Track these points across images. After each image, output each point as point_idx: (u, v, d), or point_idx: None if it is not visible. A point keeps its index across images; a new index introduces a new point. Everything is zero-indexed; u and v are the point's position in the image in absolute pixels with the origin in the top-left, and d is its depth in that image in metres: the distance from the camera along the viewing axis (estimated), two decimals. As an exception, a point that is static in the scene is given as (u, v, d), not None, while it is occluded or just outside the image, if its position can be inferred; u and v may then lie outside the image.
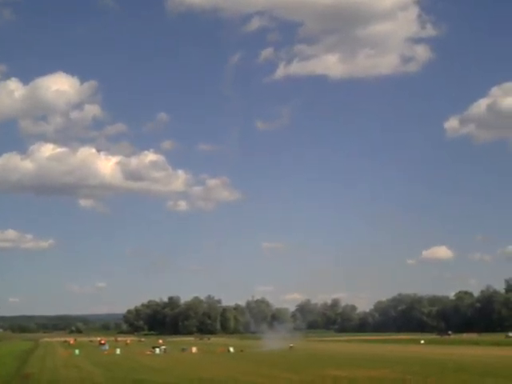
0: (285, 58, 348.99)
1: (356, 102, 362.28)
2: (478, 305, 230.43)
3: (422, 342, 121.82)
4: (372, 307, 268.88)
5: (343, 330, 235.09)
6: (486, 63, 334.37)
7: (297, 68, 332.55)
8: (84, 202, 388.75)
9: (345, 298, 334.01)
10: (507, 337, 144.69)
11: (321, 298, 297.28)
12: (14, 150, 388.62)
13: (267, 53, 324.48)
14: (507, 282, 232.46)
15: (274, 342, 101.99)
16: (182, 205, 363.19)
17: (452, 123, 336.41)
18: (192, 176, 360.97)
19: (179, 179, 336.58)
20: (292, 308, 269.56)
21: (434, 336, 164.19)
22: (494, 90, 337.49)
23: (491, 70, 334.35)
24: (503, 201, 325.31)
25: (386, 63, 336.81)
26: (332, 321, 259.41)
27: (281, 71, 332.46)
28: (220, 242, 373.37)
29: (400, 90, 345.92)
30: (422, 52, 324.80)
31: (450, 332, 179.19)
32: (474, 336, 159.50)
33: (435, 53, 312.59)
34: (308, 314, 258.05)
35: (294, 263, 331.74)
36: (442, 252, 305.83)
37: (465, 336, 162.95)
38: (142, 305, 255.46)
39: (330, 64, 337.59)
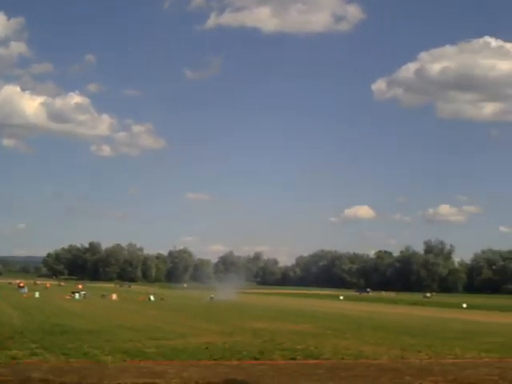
0: (216, 7, 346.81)
1: (286, 58, 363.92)
2: (398, 264, 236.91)
3: (341, 298, 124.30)
4: (294, 262, 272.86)
5: (265, 283, 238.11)
6: (416, 28, 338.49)
7: (229, 18, 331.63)
8: (6, 142, 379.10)
9: (267, 251, 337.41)
10: (425, 297, 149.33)
11: (244, 250, 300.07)
12: None
13: (198, 1, 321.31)
14: (426, 243, 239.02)
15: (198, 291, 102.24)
16: (106, 150, 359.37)
17: (379, 85, 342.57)
18: (117, 121, 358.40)
19: (104, 123, 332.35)
20: (215, 260, 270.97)
21: (353, 293, 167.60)
22: (423, 55, 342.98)
23: (421, 34, 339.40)
24: (426, 165, 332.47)
25: (318, 20, 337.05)
26: (253, 273, 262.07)
27: (212, 21, 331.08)
28: (144, 189, 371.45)
29: (330, 49, 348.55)
30: (353, 12, 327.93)
31: (368, 289, 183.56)
32: (392, 295, 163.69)
33: (366, 14, 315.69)
34: (230, 266, 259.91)
35: (218, 214, 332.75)
36: (364, 211, 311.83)
37: (383, 294, 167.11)
38: (63, 249, 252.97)
39: (262, 16, 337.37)
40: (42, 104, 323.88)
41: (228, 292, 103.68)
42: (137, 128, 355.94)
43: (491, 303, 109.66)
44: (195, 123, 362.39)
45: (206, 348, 25.49)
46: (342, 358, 23.53)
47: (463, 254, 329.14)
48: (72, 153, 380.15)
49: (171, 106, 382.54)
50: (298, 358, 23.34)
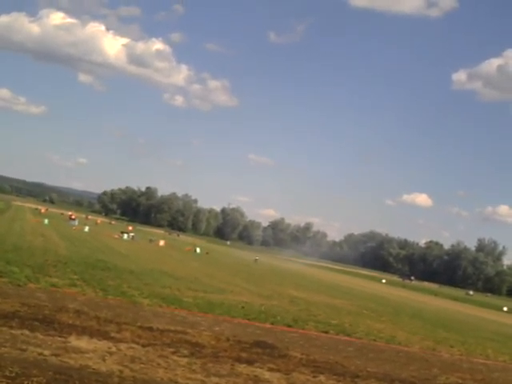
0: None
1: (371, 34, 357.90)
2: (446, 257, 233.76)
3: (384, 281, 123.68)
4: (342, 238, 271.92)
5: (311, 254, 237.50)
6: (506, 24, 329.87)
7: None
8: (83, 77, 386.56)
9: (318, 223, 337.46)
10: (467, 294, 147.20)
11: (295, 219, 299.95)
12: (23, 11, 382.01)
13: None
14: (480, 241, 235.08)
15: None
16: (179, 100, 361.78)
17: (460, 76, 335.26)
18: (194, 73, 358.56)
19: (181, 74, 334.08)
20: (265, 223, 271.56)
21: (396, 278, 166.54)
22: (509, 52, 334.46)
23: (509, 31, 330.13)
24: (493, 162, 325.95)
25: (411, 3, 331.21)
26: (301, 243, 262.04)
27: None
28: (208, 144, 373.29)
29: (417, 33, 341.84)
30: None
31: (412, 277, 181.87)
32: (435, 286, 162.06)
33: (459, 3, 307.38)
34: (279, 232, 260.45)
35: (275, 180, 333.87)
36: (422, 199, 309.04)
37: (426, 284, 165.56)
38: (119, 189, 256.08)
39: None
40: (124, 46, 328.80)
41: (273, 257, 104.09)
42: (212, 83, 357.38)
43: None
44: (271, 87, 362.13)
45: (242, 307, 25.69)
46: (374, 340, 23.48)
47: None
48: (145, 98, 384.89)
49: (250, 66, 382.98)
50: (331, 332, 23.37)
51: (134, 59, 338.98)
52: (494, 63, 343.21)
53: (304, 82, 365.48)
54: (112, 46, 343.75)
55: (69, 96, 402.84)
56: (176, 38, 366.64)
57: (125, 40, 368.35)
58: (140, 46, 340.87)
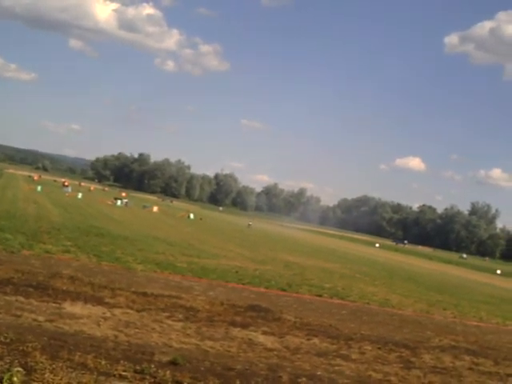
0: None
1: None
2: (439, 221, 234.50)
3: (377, 245, 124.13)
4: (336, 203, 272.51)
5: (304, 219, 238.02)
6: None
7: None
8: (74, 43, 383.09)
9: (311, 189, 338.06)
10: (460, 257, 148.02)
11: (288, 184, 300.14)
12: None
13: None
14: (473, 204, 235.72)
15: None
16: (170, 65, 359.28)
17: (452, 39, 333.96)
18: (185, 38, 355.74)
19: (172, 38, 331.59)
20: (259, 189, 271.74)
21: (389, 242, 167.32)
22: (501, 15, 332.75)
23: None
24: (485, 126, 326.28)
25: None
26: (295, 208, 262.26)
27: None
28: (200, 109, 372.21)
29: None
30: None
31: (405, 241, 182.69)
32: (428, 250, 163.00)
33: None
34: (273, 198, 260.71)
35: (269, 145, 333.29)
36: (416, 163, 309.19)
37: (420, 248, 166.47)
38: (112, 156, 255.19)
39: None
40: (115, 11, 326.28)
41: (266, 222, 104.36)
42: (204, 48, 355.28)
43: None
44: (263, 51, 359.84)
45: (236, 272, 25.80)
46: (368, 303, 23.63)
47: (508, 221, 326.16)
48: (136, 63, 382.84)
49: (242, 30, 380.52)
50: (324, 295, 23.50)
51: (125, 24, 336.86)
52: (486, 26, 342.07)
53: (296, 46, 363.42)
54: (102, 10, 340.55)
55: (60, 62, 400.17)
56: (167, 2, 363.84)
57: (115, 5, 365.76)
58: (130, 11, 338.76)
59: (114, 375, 8.51)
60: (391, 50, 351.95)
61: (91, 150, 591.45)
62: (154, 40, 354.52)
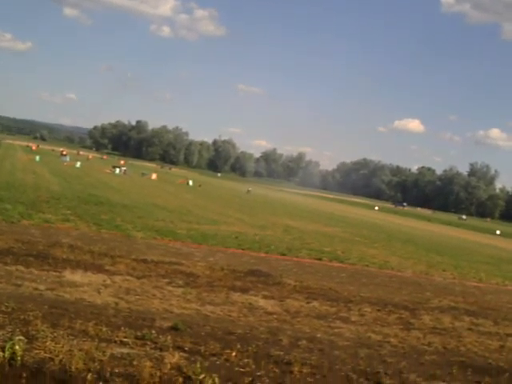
0: None
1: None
2: (438, 183, 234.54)
3: (376, 208, 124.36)
4: (335, 167, 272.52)
5: (304, 184, 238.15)
6: None
7: None
8: (69, 11, 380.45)
9: (310, 153, 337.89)
10: (460, 219, 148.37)
11: (287, 149, 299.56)
12: None
13: None
14: (472, 165, 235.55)
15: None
16: (166, 31, 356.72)
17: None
18: (181, 3, 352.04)
19: (167, 4, 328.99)
20: (257, 154, 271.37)
21: (389, 205, 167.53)
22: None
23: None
24: (483, 86, 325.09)
25: None
26: (294, 173, 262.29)
27: None
28: (196, 75, 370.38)
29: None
30: None
31: (405, 204, 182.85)
32: (427, 212, 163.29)
33: None
34: (271, 163, 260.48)
35: (266, 110, 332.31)
36: (415, 125, 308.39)
37: (419, 210, 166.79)
38: (109, 124, 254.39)
39: None
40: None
41: (265, 188, 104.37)
42: (200, 12, 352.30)
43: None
44: (259, 15, 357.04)
45: (236, 237, 25.86)
46: (367, 266, 23.72)
47: (507, 182, 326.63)
48: (131, 30, 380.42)
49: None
50: (324, 259, 23.58)
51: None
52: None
53: (294, 10, 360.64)
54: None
55: (55, 31, 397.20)
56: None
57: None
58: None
59: (115, 342, 8.58)
60: (388, 11, 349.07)
61: (88, 119, 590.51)
62: (149, 6, 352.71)
